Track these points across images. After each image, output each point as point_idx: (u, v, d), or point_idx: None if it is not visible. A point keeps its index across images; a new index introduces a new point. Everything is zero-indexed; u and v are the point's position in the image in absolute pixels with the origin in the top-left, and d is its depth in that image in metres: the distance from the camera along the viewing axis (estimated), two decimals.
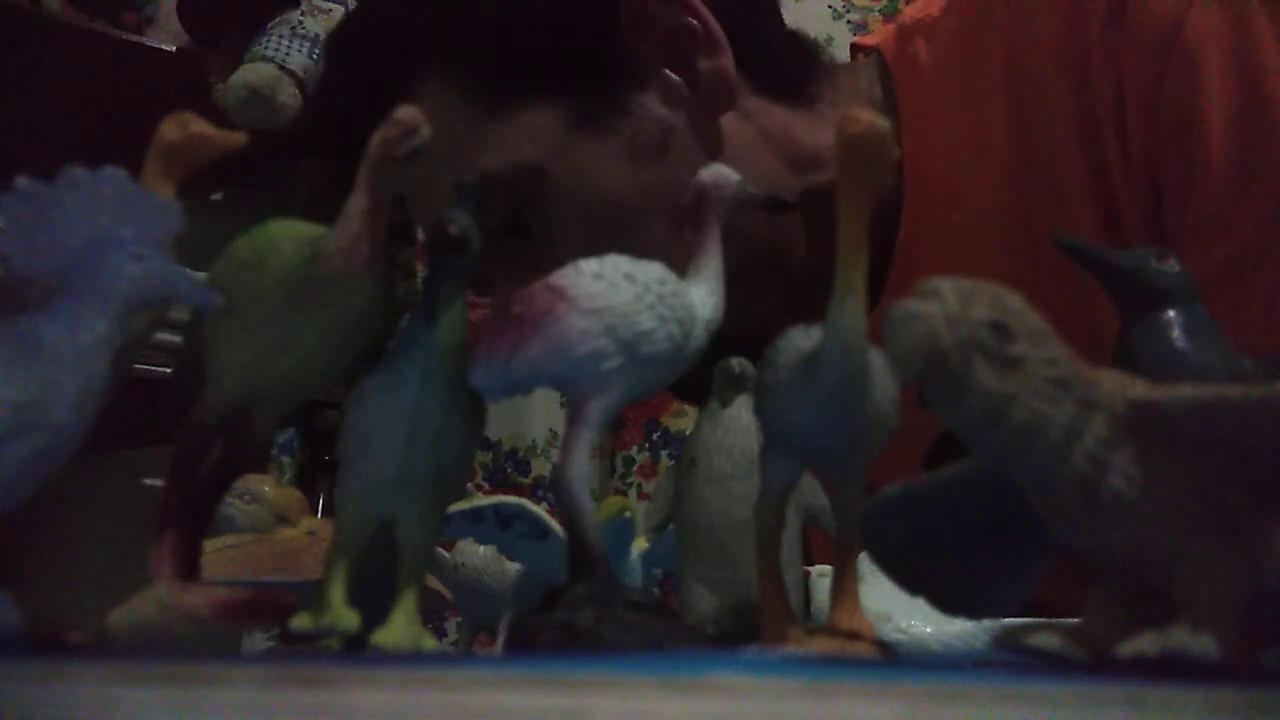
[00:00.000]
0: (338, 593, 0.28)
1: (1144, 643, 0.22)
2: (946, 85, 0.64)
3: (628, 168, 0.57)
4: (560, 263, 0.55)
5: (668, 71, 0.59)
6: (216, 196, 1.23)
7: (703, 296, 0.31)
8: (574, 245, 0.52)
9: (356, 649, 0.28)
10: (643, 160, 0.57)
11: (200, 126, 0.32)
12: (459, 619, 0.84)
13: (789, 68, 0.64)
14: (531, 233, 0.57)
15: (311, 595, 0.28)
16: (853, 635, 0.28)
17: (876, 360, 0.28)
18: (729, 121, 0.60)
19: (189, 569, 0.29)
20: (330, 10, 1.17)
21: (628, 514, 0.50)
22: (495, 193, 0.56)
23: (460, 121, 0.57)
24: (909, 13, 0.69)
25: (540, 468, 1.50)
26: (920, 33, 0.65)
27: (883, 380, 0.28)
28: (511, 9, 0.58)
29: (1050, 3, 0.59)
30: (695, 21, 0.59)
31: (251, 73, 1.09)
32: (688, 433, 0.42)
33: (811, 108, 0.63)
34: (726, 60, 0.59)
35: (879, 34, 0.71)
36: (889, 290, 0.63)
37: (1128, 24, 0.56)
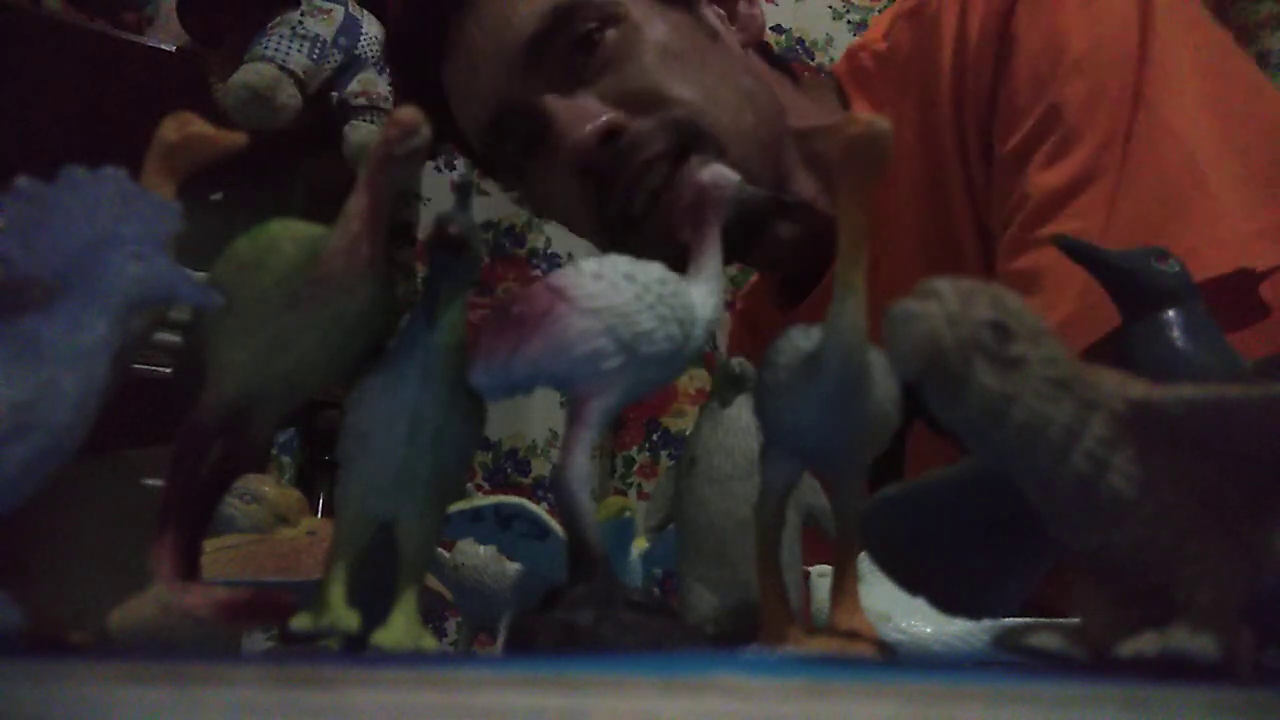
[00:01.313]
0: (338, 593, 0.28)
1: (1144, 643, 0.22)
2: (887, 84, 0.73)
3: (686, 38, 0.69)
4: (617, 80, 0.65)
5: (715, 4, 0.74)
6: (216, 196, 1.23)
7: (703, 296, 0.31)
8: (636, 64, 0.66)
9: (356, 649, 0.28)
10: (697, 39, 0.70)
11: (200, 126, 0.32)
12: (459, 619, 0.84)
13: (781, 59, 0.79)
14: (595, 55, 0.67)
15: (311, 595, 0.28)
16: (853, 635, 0.28)
17: (876, 360, 0.28)
18: (747, 58, 0.74)
19: (189, 569, 0.29)
20: (330, 10, 1.17)
21: (628, 514, 0.50)
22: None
23: None
24: (855, 42, 0.81)
25: (540, 468, 1.50)
26: (865, 49, 0.76)
27: (883, 380, 0.28)
28: None
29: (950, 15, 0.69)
30: None
31: (251, 73, 1.09)
32: (688, 433, 0.42)
33: (795, 83, 0.78)
34: (760, 11, 0.76)
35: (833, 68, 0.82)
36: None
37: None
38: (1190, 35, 0.63)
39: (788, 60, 0.81)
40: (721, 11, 0.74)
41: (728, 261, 0.70)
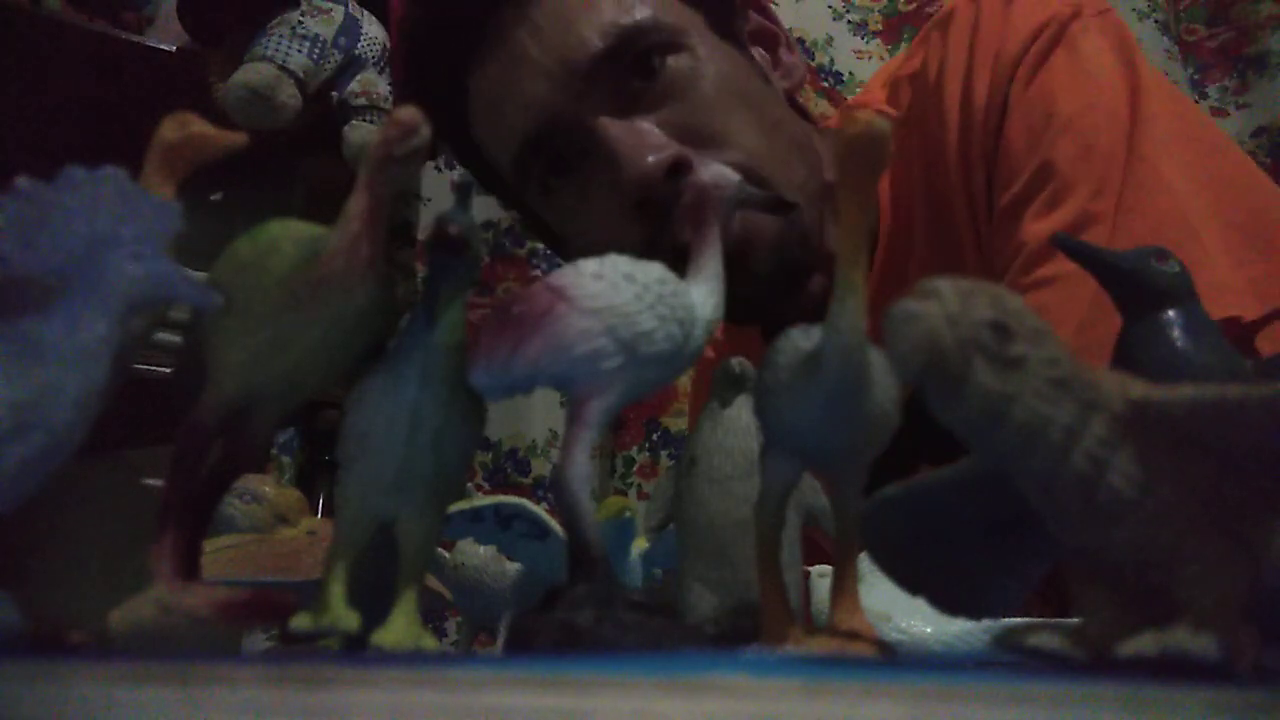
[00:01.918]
0: (338, 593, 0.28)
1: (1144, 643, 0.22)
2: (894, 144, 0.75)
3: (745, 72, 0.71)
4: (679, 110, 0.65)
5: (760, 49, 0.76)
6: (216, 196, 1.23)
7: (703, 296, 0.31)
8: (698, 97, 0.66)
9: (356, 649, 0.28)
10: (754, 78, 0.71)
11: (200, 126, 0.32)
12: (459, 619, 0.84)
13: (801, 107, 0.80)
14: (658, 81, 0.66)
15: (311, 595, 0.28)
16: (853, 635, 0.28)
17: (876, 360, 0.27)
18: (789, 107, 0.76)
19: (189, 569, 0.29)
20: (330, 10, 1.17)
21: (628, 514, 0.50)
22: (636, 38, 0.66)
23: None
24: (853, 99, 0.86)
25: (540, 468, 1.50)
26: (866, 108, 0.74)
27: (883, 380, 0.28)
28: None
29: (957, 66, 0.71)
30: (778, 29, 0.78)
31: (251, 73, 1.09)
32: (688, 433, 0.42)
33: (819, 134, 0.78)
34: (799, 58, 0.78)
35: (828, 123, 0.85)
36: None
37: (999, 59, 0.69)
38: (1169, 101, 0.66)
39: (803, 108, 0.82)
40: (767, 56, 0.75)
41: (764, 320, 0.72)
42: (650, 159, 0.62)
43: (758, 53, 0.74)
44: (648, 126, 0.64)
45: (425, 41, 0.72)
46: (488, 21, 0.67)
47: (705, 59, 0.67)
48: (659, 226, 0.64)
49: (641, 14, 0.65)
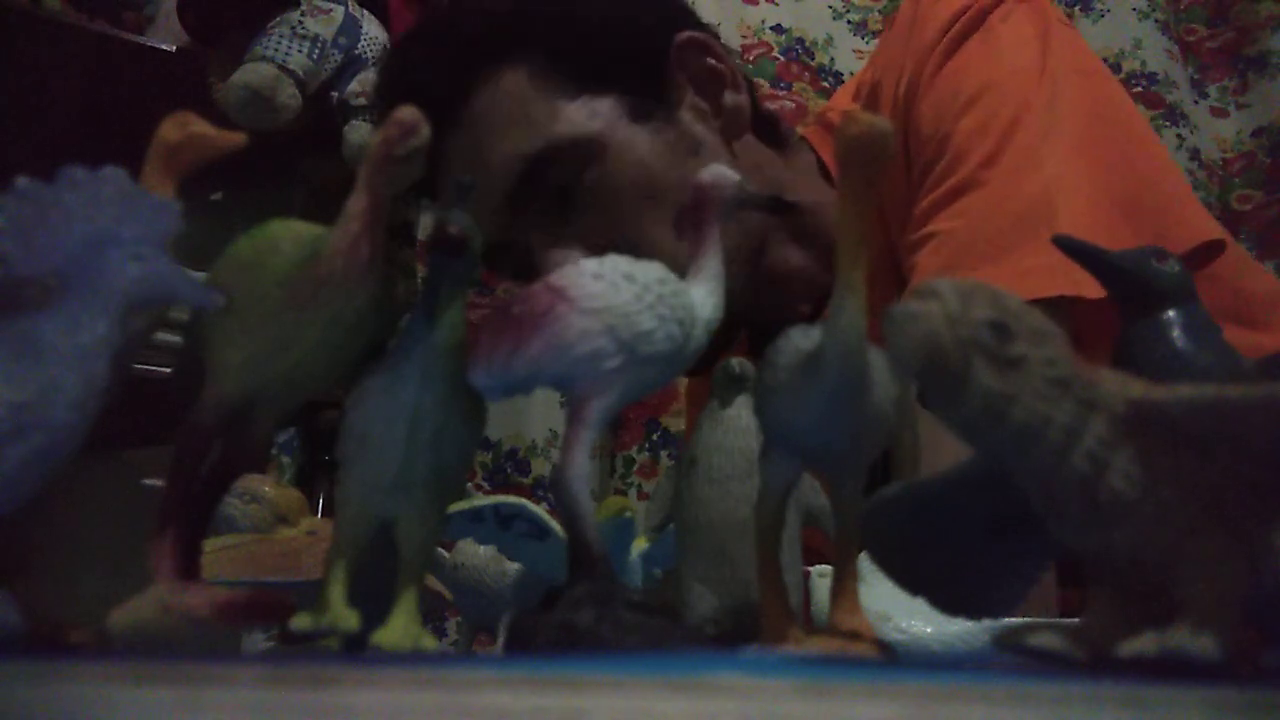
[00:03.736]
0: (338, 593, 0.28)
1: (1144, 643, 0.22)
2: None
3: (666, 158, 0.70)
4: (598, 227, 0.65)
5: (699, 98, 0.74)
6: (216, 196, 1.23)
7: (703, 296, 0.31)
8: (615, 210, 0.67)
9: (356, 649, 0.28)
10: (677, 156, 0.70)
11: (200, 126, 0.32)
12: (459, 619, 0.84)
13: (771, 122, 0.81)
14: (577, 200, 0.68)
15: (311, 595, 0.28)
16: (853, 635, 0.28)
17: (876, 360, 0.28)
18: (731, 152, 0.75)
19: (189, 569, 0.29)
20: (330, 10, 1.17)
21: (628, 514, 0.50)
22: (556, 163, 0.67)
23: (538, 97, 0.69)
24: (825, 105, 0.87)
25: (540, 468, 1.50)
26: (833, 110, 0.81)
27: (883, 380, 0.28)
28: (587, 19, 0.72)
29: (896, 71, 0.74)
30: (723, 66, 0.75)
31: (251, 73, 1.09)
32: (686, 434, 0.42)
33: (783, 153, 0.79)
34: (745, 98, 0.75)
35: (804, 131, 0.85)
36: None
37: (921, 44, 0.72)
38: (1083, 84, 0.69)
39: (774, 121, 0.81)
40: (705, 107, 0.73)
41: (754, 340, 0.73)
42: None
43: (693, 111, 0.73)
44: (572, 247, 0.67)
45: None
46: (445, 137, 0.70)
47: (622, 155, 0.68)
48: None
49: (545, 136, 0.67)
